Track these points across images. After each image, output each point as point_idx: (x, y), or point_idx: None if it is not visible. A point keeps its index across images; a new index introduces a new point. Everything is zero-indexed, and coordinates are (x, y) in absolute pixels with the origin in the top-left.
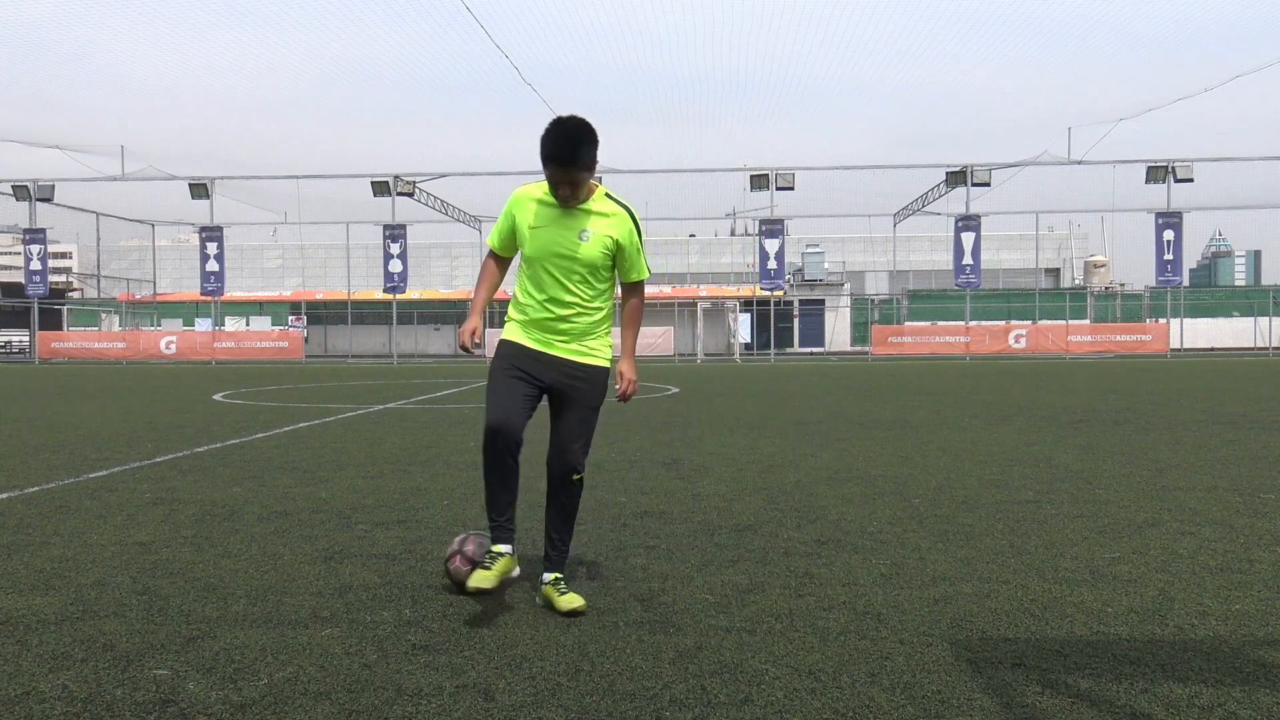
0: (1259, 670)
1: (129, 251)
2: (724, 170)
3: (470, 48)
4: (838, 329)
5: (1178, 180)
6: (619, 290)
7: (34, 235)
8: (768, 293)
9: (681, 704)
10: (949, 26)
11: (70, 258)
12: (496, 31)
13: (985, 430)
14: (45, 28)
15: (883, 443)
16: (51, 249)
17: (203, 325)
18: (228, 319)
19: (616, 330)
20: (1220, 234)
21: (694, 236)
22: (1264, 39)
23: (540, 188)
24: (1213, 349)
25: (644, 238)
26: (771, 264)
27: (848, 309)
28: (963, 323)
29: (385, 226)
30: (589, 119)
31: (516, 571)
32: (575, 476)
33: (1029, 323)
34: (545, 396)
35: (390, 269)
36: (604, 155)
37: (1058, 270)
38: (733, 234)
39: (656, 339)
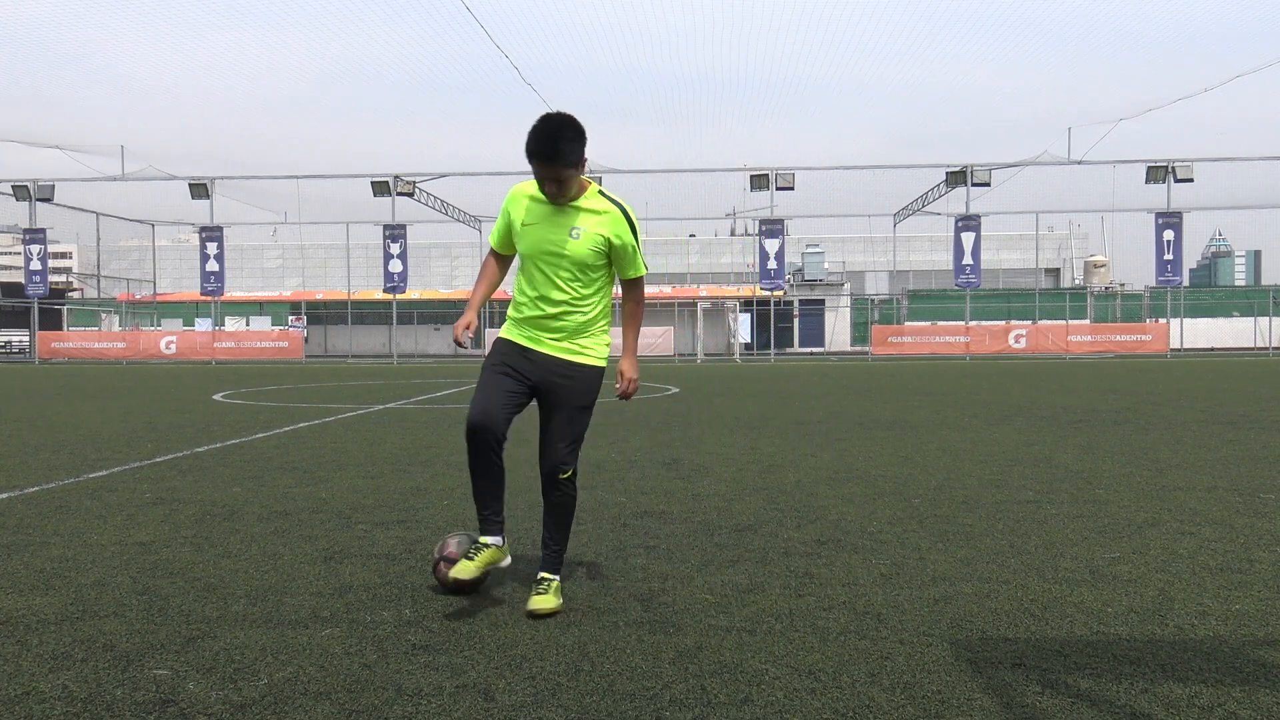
0: (1259, 670)
1: (129, 251)
2: (724, 170)
3: (470, 48)
4: (838, 329)
5: (1178, 180)
6: (619, 289)
7: (34, 235)
8: (768, 293)
9: (681, 704)
10: (949, 26)
11: (70, 258)
12: (496, 31)
13: (985, 430)
14: (45, 28)
15: (883, 443)
16: (51, 249)
17: (203, 325)
18: (228, 319)
19: (617, 330)
20: (1220, 234)
21: (694, 236)
22: (1264, 39)
23: (535, 185)
24: (1213, 349)
25: (641, 236)
26: (771, 264)
27: (848, 309)
28: (963, 323)
29: (385, 226)
30: (578, 115)
31: (506, 562)
32: (562, 476)
33: (1029, 323)
34: (539, 396)
35: (390, 269)
36: (604, 155)
37: (1058, 270)
38: (733, 234)
39: (656, 339)
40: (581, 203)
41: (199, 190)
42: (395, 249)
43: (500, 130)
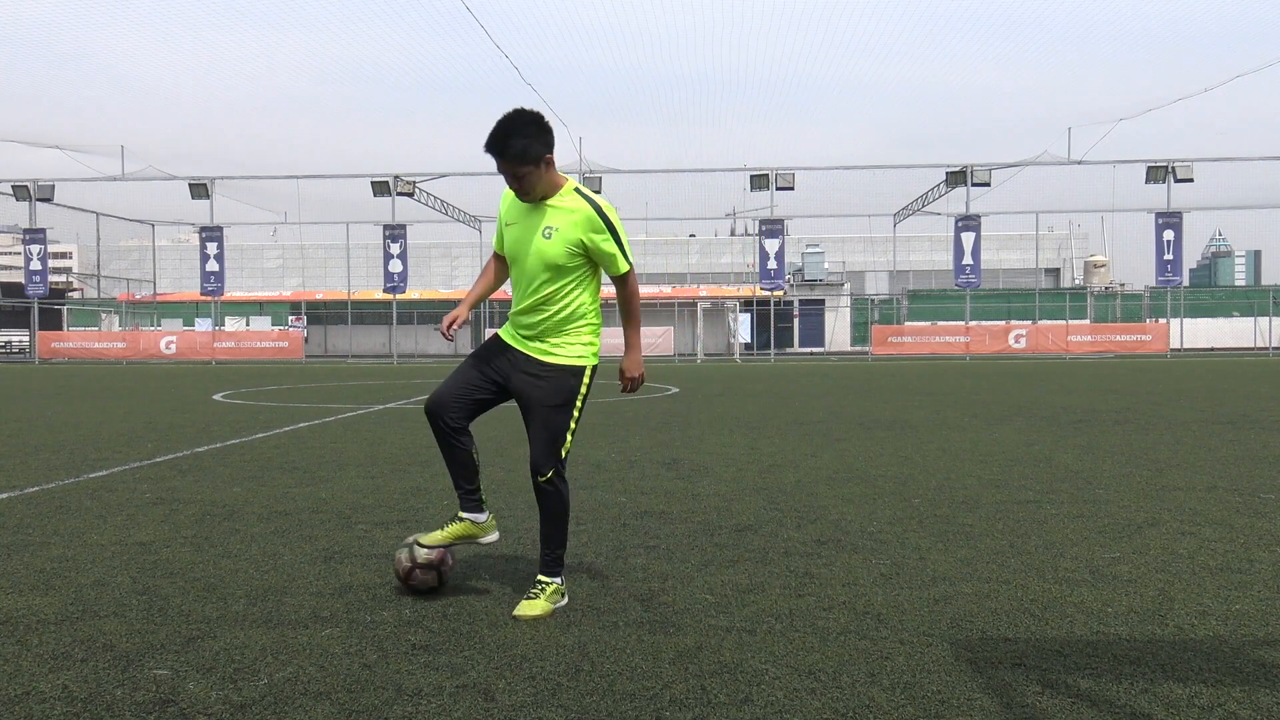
0: (1259, 670)
1: (129, 251)
2: (724, 170)
3: (470, 48)
4: (838, 329)
5: (1178, 180)
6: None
7: (34, 235)
8: (768, 293)
9: (681, 704)
10: (949, 26)
11: (70, 258)
12: (496, 31)
13: (985, 430)
14: (45, 28)
15: (883, 443)
16: (51, 249)
17: (203, 325)
18: (228, 319)
19: (613, 330)
20: (1220, 234)
21: (694, 236)
22: (1264, 39)
23: None
24: (1213, 349)
25: (623, 230)
26: (771, 264)
27: (848, 309)
28: (963, 323)
29: (385, 226)
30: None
31: (489, 538)
32: (540, 478)
33: (1029, 323)
34: (513, 394)
35: (390, 269)
36: (604, 155)
37: (1058, 270)
38: (733, 234)
39: (656, 339)
40: (555, 202)
41: (199, 190)
42: (395, 249)
43: None
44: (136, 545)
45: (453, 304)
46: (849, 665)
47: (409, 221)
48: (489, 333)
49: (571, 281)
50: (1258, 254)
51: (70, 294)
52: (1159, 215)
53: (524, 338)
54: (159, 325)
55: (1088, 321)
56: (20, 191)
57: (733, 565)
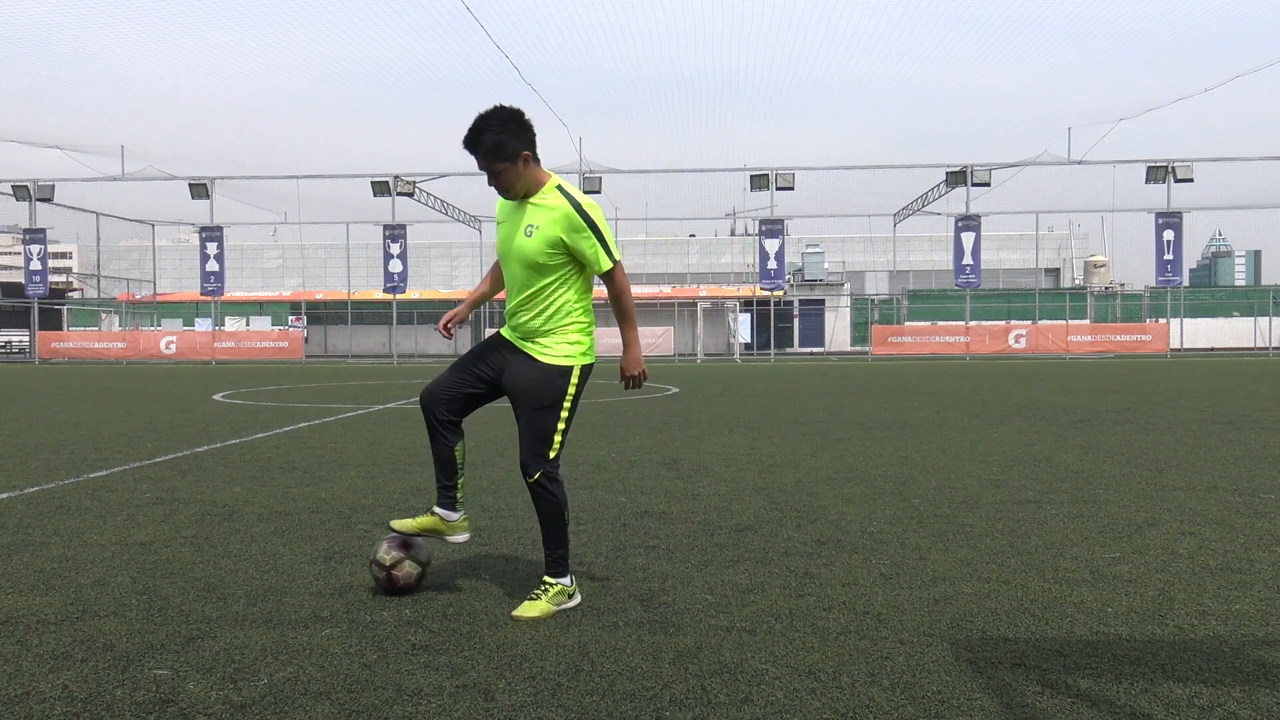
0: (1259, 670)
1: (129, 251)
2: (724, 170)
3: (470, 48)
4: (838, 329)
5: (1178, 180)
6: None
7: (34, 235)
8: (768, 293)
9: (681, 704)
10: (949, 26)
11: (70, 258)
12: (496, 31)
13: (985, 430)
14: (45, 28)
15: (883, 443)
16: (51, 249)
17: (203, 325)
18: (228, 319)
19: (608, 330)
20: (1220, 234)
21: (694, 236)
22: (1264, 39)
23: None
24: (1213, 349)
25: (605, 226)
26: (771, 264)
27: (848, 309)
28: (963, 323)
29: (385, 226)
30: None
31: (459, 538)
32: (529, 479)
33: (1029, 323)
34: (505, 392)
35: (390, 269)
36: (604, 155)
37: (1058, 270)
38: (733, 234)
39: (656, 339)
40: (537, 199)
41: (199, 190)
42: (395, 249)
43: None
44: (136, 545)
45: (453, 304)
46: (849, 665)
47: (409, 221)
48: (488, 332)
49: (555, 280)
50: (1258, 254)
51: (70, 294)
52: (1159, 215)
53: (518, 336)
54: (159, 325)
55: (1088, 321)
56: (20, 191)
57: (733, 565)
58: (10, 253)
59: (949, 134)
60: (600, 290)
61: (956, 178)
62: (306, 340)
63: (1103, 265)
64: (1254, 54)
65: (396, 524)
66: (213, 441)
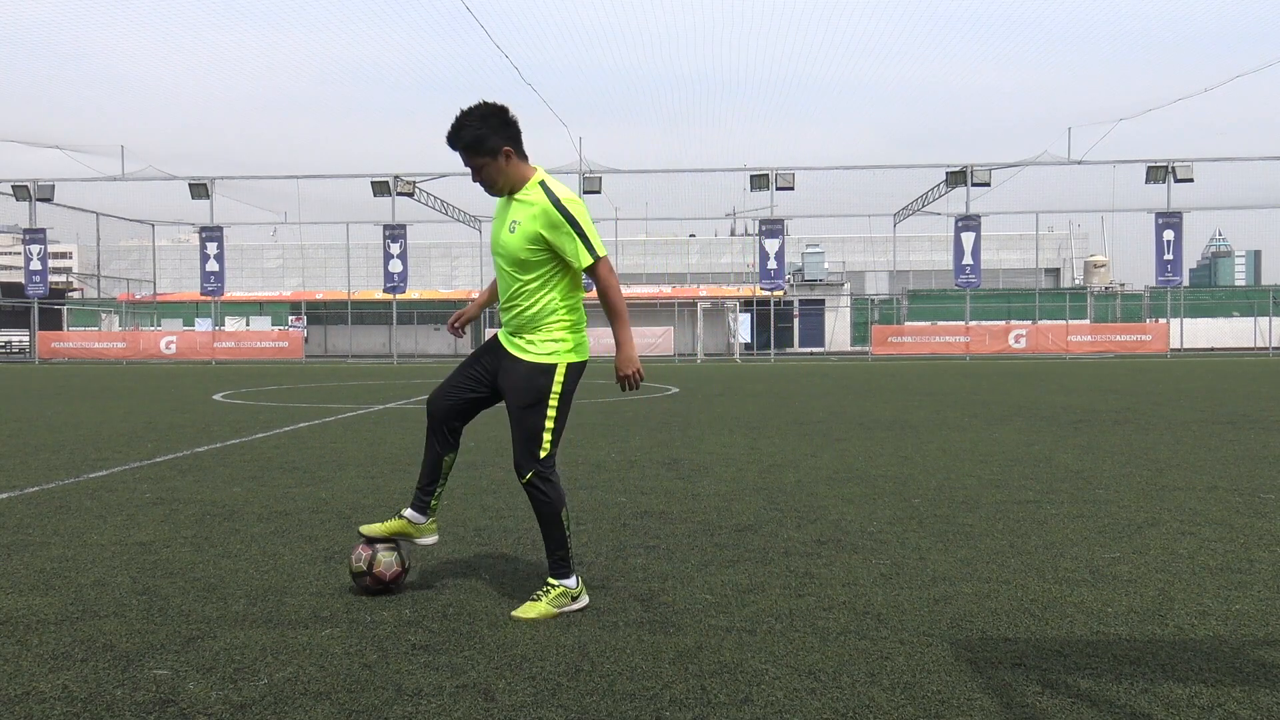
0: (1259, 670)
1: (129, 251)
2: (724, 170)
3: (470, 48)
4: (838, 329)
5: (1178, 180)
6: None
7: (34, 235)
8: (768, 293)
9: (681, 704)
10: (949, 26)
11: (70, 258)
12: (496, 31)
13: (985, 430)
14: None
15: (883, 443)
16: (51, 249)
17: (203, 325)
18: (228, 319)
19: (608, 330)
20: (1220, 234)
21: (694, 236)
22: (1264, 39)
23: None
24: (1213, 349)
25: (583, 223)
26: (771, 264)
27: (848, 309)
28: (963, 323)
29: (385, 226)
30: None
31: (425, 541)
32: (521, 480)
33: (1029, 323)
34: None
35: (390, 269)
36: (604, 155)
37: (1058, 270)
38: (733, 234)
39: (656, 339)
40: (521, 195)
41: (199, 190)
42: (395, 249)
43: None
44: (136, 545)
45: (452, 303)
46: (849, 665)
47: (409, 221)
48: (489, 333)
49: (539, 277)
50: (1258, 254)
51: (70, 294)
52: (1159, 215)
53: (508, 335)
54: (159, 325)
55: (1088, 321)
56: (20, 191)
57: (733, 565)
58: (10, 253)
59: (949, 134)
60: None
61: (956, 178)
62: (306, 340)
63: (1103, 265)
64: (1254, 54)
65: (365, 529)
66: (213, 441)
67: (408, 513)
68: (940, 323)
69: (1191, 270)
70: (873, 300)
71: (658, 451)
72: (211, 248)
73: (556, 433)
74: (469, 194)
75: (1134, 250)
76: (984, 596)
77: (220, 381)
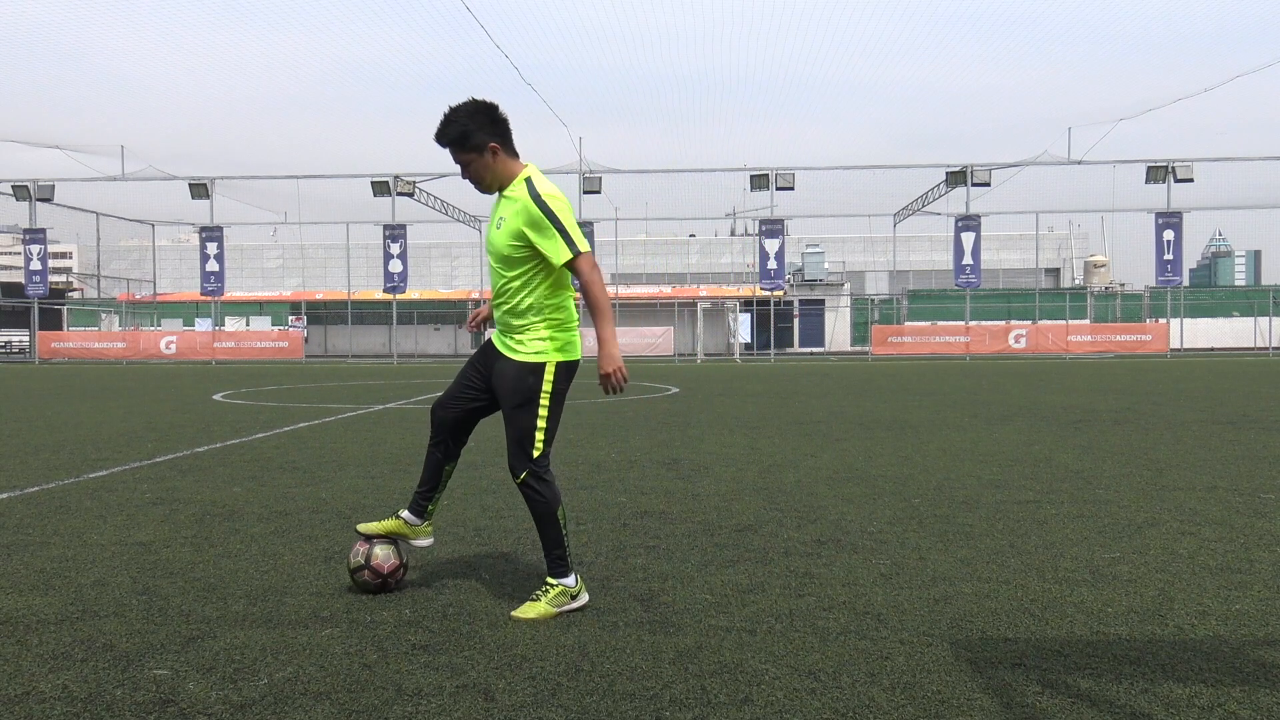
0: (1259, 670)
1: (129, 251)
2: (724, 170)
3: (470, 48)
4: (838, 329)
5: (1178, 180)
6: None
7: (34, 235)
8: (768, 293)
9: (681, 704)
10: (949, 26)
11: (70, 258)
12: (496, 31)
13: (985, 430)
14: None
15: (883, 443)
16: (51, 249)
17: (203, 325)
18: (228, 319)
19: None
20: (1220, 234)
21: (694, 236)
22: (1264, 39)
23: None
24: (1213, 349)
25: (563, 218)
26: (771, 264)
27: (848, 309)
28: (963, 323)
29: (385, 226)
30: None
31: (420, 543)
32: (515, 480)
33: (1029, 323)
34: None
35: (390, 269)
36: (604, 155)
37: (1058, 270)
38: (733, 234)
39: (656, 339)
40: (508, 192)
41: (199, 190)
42: (395, 249)
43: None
44: (136, 545)
45: (452, 304)
46: (849, 665)
47: (409, 221)
48: (490, 333)
49: (524, 274)
50: (1258, 254)
51: (70, 294)
52: (1159, 215)
53: (500, 335)
54: (159, 325)
55: (1088, 321)
56: (20, 191)
57: (733, 565)
58: (10, 253)
59: (949, 134)
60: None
61: (956, 178)
62: (306, 340)
63: (1103, 265)
64: (1254, 54)
65: (363, 527)
66: (213, 441)
67: (405, 514)
68: (940, 323)
69: (1191, 270)
70: (873, 300)
71: (658, 451)
72: (211, 248)
73: (549, 432)
74: (469, 194)
75: (1134, 250)
76: (984, 596)
77: (220, 381)
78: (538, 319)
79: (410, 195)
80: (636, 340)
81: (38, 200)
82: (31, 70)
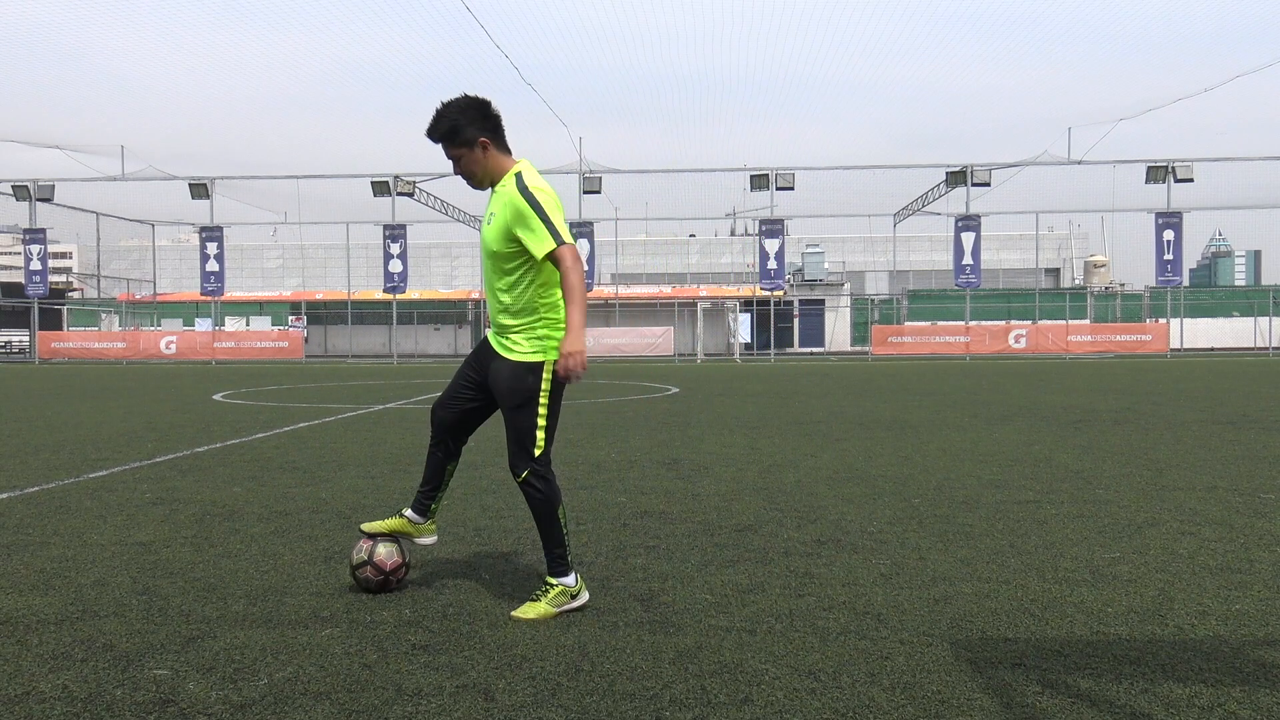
0: (1259, 670)
1: (129, 251)
2: (724, 170)
3: (470, 48)
4: (838, 329)
5: (1178, 180)
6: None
7: (34, 235)
8: (768, 293)
9: (681, 704)
10: (949, 26)
11: (70, 258)
12: (496, 31)
13: (985, 430)
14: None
15: (883, 443)
16: (51, 249)
17: (203, 325)
18: (228, 319)
19: (608, 330)
20: (1220, 234)
21: (694, 236)
22: (1264, 39)
23: None
24: (1213, 349)
25: (547, 210)
26: (771, 264)
27: (848, 309)
28: (963, 323)
29: (385, 226)
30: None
31: (424, 541)
32: (516, 479)
33: (1029, 323)
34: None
35: (390, 269)
36: (604, 155)
37: (1058, 270)
38: (733, 234)
39: (656, 339)
40: (499, 187)
41: (199, 190)
42: (395, 249)
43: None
44: (136, 545)
45: (452, 304)
46: (849, 665)
47: (409, 221)
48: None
49: (515, 269)
50: (1258, 254)
51: (70, 294)
52: (1159, 215)
53: (495, 334)
54: (159, 325)
55: (1088, 321)
56: (20, 191)
57: (733, 565)
58: (10, 253)
59: (949, 134)
60: (604, 290)
61: (956, 178)
62: (306, 340)
63: (1103, 265)
64: (1254, 54)
65: (366, 526)
66: (213, 441)
67: (408, 512)
68: (940, 323)
69: (1191, 270)
70: (873, 300)
71: (658, 451)
72: (211, 248)
73: (549, 430)
74: (469, 194)
75: (1134, 250)
76: (984, 596)
77: (220, 381)
78: (533, 318)
79: (410, 195)
80: (636, 340)
81: (38, 200)
82: (31, 70)
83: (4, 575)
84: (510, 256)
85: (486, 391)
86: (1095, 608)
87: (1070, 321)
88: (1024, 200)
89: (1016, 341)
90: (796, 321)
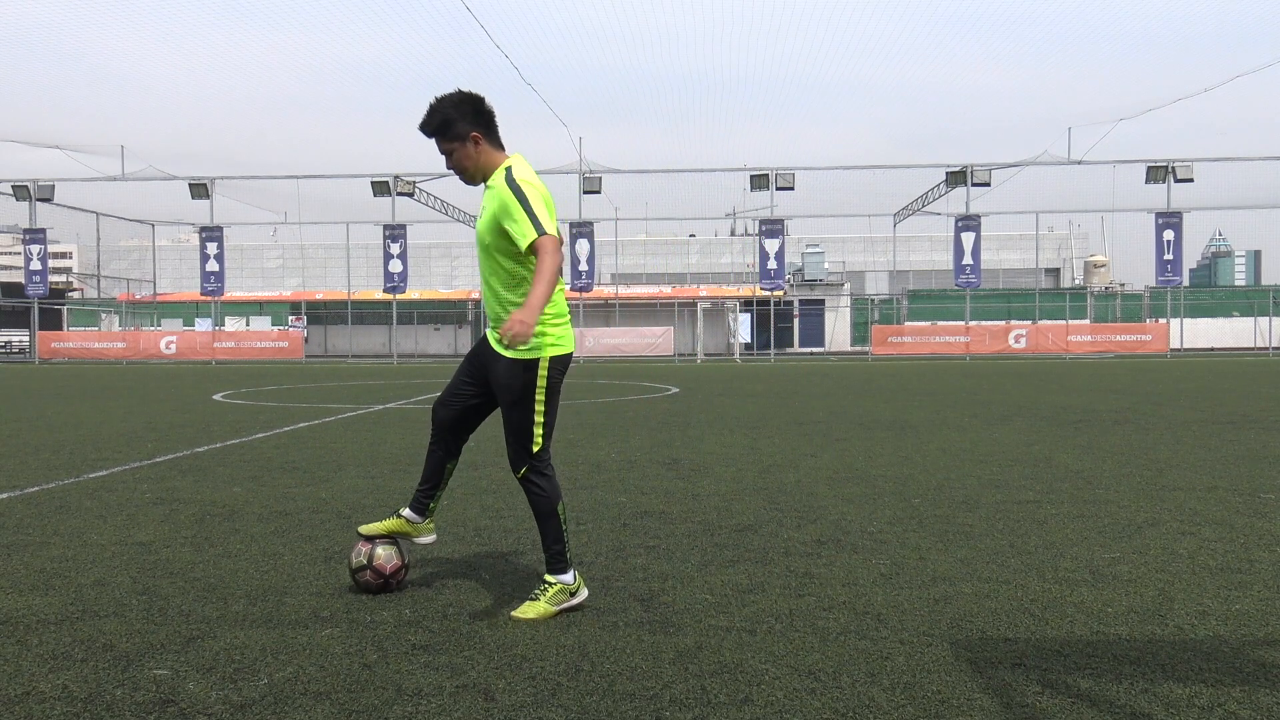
0: (1259, 670)
1: (129, 251)
2: (724, 170)
3: (470, 48)
4: (838, 329)
5: (1178, 180)
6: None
7: (34, 235)
8: (768, 293)
9: (681, 704)
10: (949, 26)
11: (70, 258)
12: (496, 31)
13: (985, 430)
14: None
15: (883, 443)
16: (51, 249)
17: (203, 325)
18: (228, 319)
19: (606, 330)
20: (1220, 234)
21: (694, 236)
22: (1264, 39)
23: None
24: (1213, 349)
25: (532, 202)
26: (771, 264)
27: (848, 309)
28: (963, 323)
29: (385, 226)
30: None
31: (424, 540)
32: (516, 476)
33: (1029, 323)
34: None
35: (390, 269)
36: (604, 155)
37: (1058, 270)
38: (733, 234)
39: (656, 339)
40: (491, 182)
41: (199, 190)
42: (395, 249)
43: (500, 130)
44: (136, 545)
45: (452, 303)
46: (849, 665)
47: (409, 221)
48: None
49: (510, 266)
50: (1258, 254)
51: (70, 294)
52: (1159, 215)
53: (492, 331)
54: (159, 325)
55: (1088, 321)
56: (20, 191)
57: (733, 565)
58: (10, 253)
59: (949, 134)
60: (604, 290)
61: (956, 178)
62: (306, 340)
63: (1103, 265)
64: (1254, 54)
65: (364, 528)
66: (213, 441)
67: (406, 512)
68: (940, 323)
69: (1191, 270)
70: (873, 300)
71: (658, 451)
72: (211, 248)
73: (548, 426)
74: (468, 194)
75: (1134, 250)
76: (984, 596)
77: (220, 381)
78: None
79: (410, 195)
80: (636, 340)
81: (38, 200)
82: (31, 70)
83: (4, 575)
84: (502, 251)
85: (487, 388)
86: (1095, 608)
87: (1070, 321)
88: (1024, 200)
89: (1016, 341)
90: (796, 321)
